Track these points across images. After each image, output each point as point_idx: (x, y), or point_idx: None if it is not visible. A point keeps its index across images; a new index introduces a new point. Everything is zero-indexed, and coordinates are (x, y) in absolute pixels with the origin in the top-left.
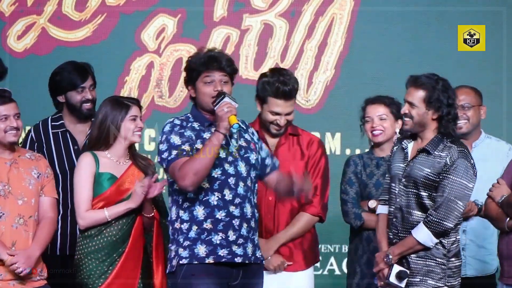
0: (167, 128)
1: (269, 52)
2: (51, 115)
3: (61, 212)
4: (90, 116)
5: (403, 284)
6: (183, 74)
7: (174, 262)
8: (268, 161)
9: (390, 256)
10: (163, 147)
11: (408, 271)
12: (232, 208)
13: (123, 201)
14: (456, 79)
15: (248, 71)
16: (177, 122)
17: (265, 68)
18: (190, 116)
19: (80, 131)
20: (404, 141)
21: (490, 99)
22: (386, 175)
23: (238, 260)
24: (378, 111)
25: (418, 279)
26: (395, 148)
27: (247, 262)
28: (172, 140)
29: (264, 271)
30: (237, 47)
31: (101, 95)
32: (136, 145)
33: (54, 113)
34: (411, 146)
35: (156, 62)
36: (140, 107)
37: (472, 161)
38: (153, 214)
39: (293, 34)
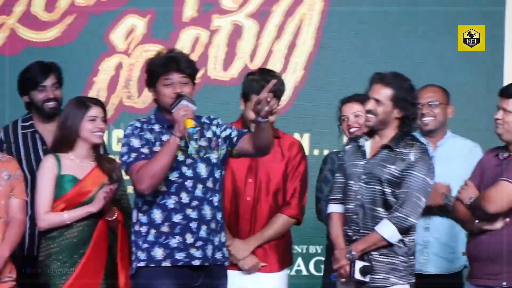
0: (128, 130)
1: (238, 53)
2: (21, 116)
3: (29, 213)
4: (54, 115)
5: (367, 279)
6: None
7: (134, 265)
8: (234, 133)
9: (353, 253)
10: (123, 150)
11: (371, 265)
12: (189, 211)
13: (85, 203)
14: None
15: (217, 72)
16: (138, 124)
17: (233, 69)
18: (153, 117)
19: (49, 131)
20: (360, 139)
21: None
22: (337, 174)
23: (196, 263)
24: (353, 109)
25: (381, 277)
26: (348, 146)
27: (206, 264)
28: (132, 143)
29: (238, 271)
30: (206, 48)
31: (70, 95)
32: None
33: (25, 114)
34: (368, 144)
35: (125, 62)
36: (103, 108)
37: (431, 159)
38: (115, 217)
39: (262, 34)
